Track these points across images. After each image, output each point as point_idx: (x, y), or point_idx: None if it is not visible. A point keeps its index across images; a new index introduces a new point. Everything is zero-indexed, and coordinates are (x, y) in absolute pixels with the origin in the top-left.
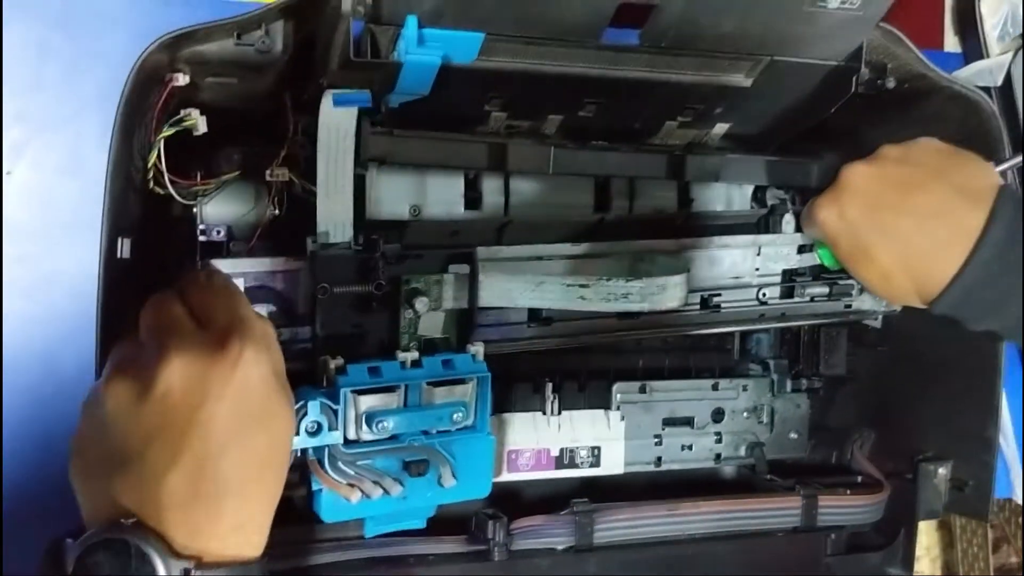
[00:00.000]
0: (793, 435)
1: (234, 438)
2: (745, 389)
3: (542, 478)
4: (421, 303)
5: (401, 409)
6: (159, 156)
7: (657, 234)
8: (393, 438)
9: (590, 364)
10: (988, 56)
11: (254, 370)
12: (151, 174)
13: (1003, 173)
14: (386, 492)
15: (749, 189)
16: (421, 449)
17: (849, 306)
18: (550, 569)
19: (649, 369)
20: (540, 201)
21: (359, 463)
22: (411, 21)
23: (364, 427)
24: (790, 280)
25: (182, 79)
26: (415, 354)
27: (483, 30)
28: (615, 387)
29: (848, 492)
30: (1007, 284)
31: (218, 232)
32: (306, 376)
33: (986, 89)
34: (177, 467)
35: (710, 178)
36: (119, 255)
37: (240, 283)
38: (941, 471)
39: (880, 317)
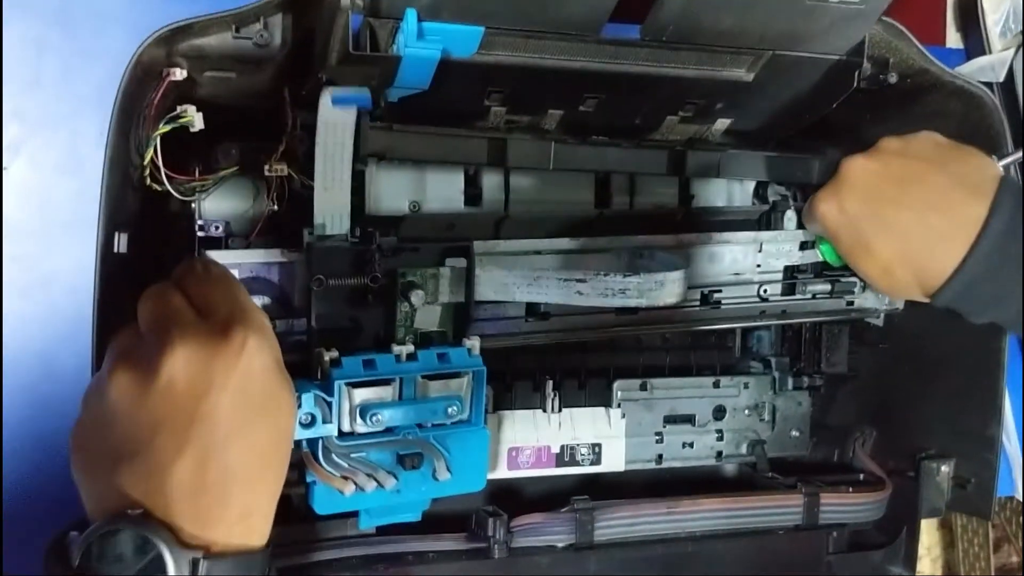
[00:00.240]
0: (795, 433)
1: (239, 427)
2: (746, 387)
3: (542, 475)
4: (417, 296)
5: (395, 402)
6: (156, 152)
7: (657, 230)
8: (387, 431)
9: (591, 361)
10: (990, 52)
11: (257, 359)
12: (148, 171)
13: (1005, 168)
14: (380, 485)
15: (750, 185)
16: (415, 442)
17: (851, 304)
18: (550, 567)
19: (650, 366)
20: (540, 197)
21: (353, 456)
22: (410, 14)
23: (358, 420)
24: (792, 277)
25: (179, 74)
26: (410, 347)
27: (483, 24)
28: (616, 384)
29: (850, 490)
30: (1008, 275)
31: (216, 227)
32: (302, 368)
33: (988, 85)
34: (183, 457)
35: (711, 174)
36: (116, 250)
37: (235, 275)
38: (943, 469)
39: (883, 315)
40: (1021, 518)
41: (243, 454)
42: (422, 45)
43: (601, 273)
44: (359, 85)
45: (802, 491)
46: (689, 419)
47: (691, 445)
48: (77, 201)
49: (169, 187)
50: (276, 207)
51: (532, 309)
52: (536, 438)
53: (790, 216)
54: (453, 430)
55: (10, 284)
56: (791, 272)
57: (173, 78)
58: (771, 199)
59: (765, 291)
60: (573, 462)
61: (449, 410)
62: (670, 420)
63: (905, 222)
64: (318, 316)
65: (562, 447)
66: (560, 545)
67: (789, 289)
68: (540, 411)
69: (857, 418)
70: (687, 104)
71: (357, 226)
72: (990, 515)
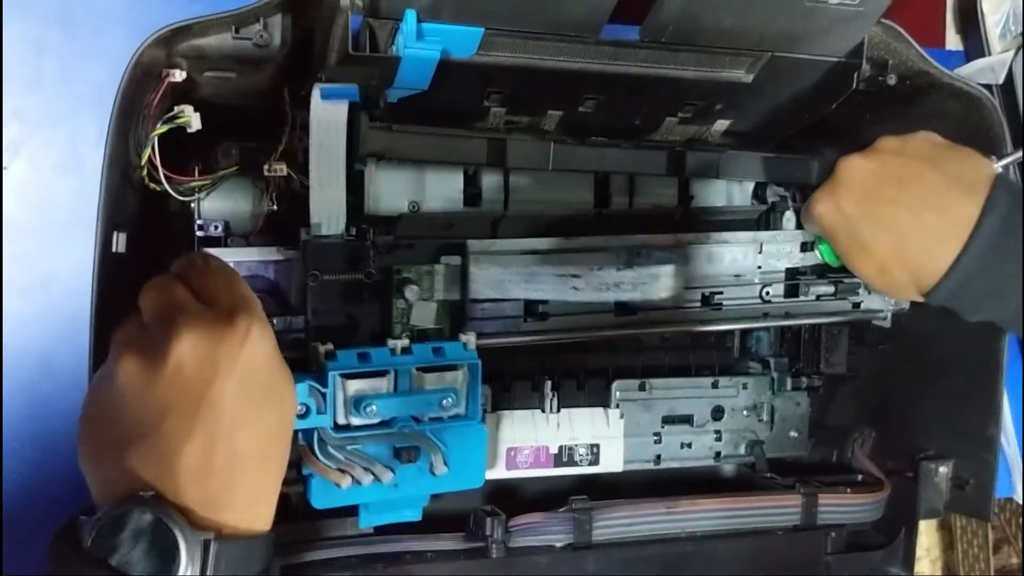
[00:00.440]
0: (793, 433)
1: (244, 413)
2: (745, 387)
3: (541, 476)
4: (411, 291)
5: (389, 394)
6: (154, 152)
7: (655, 229)
8: (383, 424)
9: (589, 362)
10: (990, 54)
11: (260, 346)
12: (146, 171)
13: (1004, 168)
14: (376, 478)
15: (749, 186)
16: (412, 436)
17: (857, 304)
18: (548, 567)
19: (649, 367)
20: (539, 197)
21: (349, 448)
22: (410, 15)
23: (353, 411)
24: (794, 278)
25: (179, 75)
26: (405, 341)
27: (482, 24)
28: (614, 385)
29: (848, 491)
30: (1004, 273)
31: (216, 227)
32: (299, 365)
33: (987, 87)
34: (192, 441)
35: (710, 174)
36: (114, 249)
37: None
38: (942, 470)
39: (889, 316)
40: (1021, 519)
41: (249, 439)
42: (421, 46)
43: (595, 267)
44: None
45: (800, 491)
46: (687, 419)
47: (689, 445)
48: (76, 201)
49: (167, 187)
50: (275, 207)
51: (530, 309)
52: (534, 438)
53: (788, 217)
54: (450, 425)
55: (10, 284)
56: (793, 273)
57: (172, 79)
58: (770, 200)
59: (767, 292)
60: (571, 462)
61: (444, 402)
62: (668, 420)
63: (900, 221)
64: (314, 311)
65: (560, 447)
66: (558, 545)
67: (792, 291)
68: (539, 411)
69: (856, 419)
70: (686, 105)
71: (353, 224)
72: (989, 516)
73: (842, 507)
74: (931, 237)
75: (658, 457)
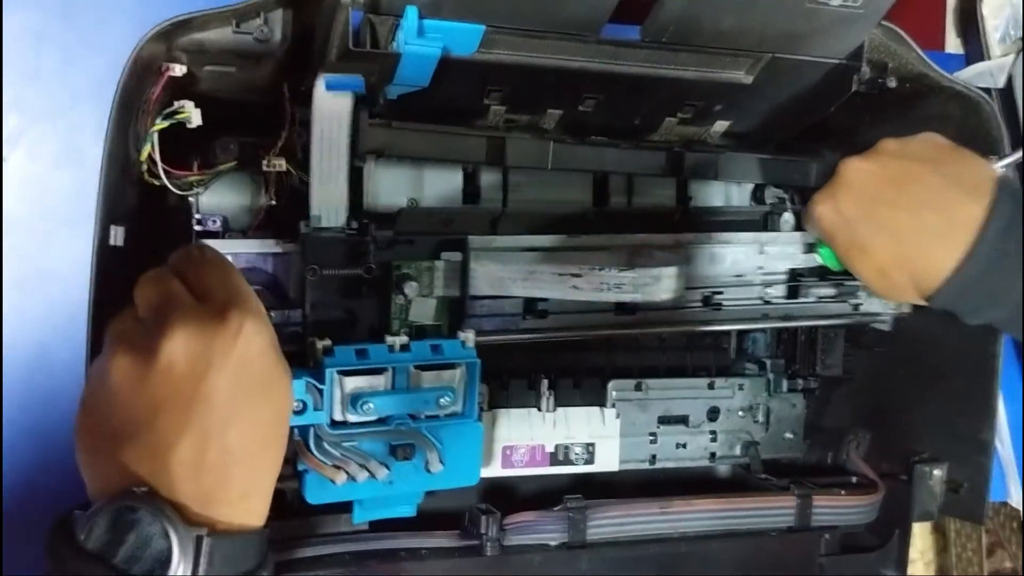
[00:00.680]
0: (788, 435)
1: (238, 409)
2: (741, 388)
3: (536, 474)
4: (411, 288)
5: (386, 391)
6: (153, 148)
7: (656, 229)
8: (380, 421)
9: (586, 361)
10: (989, 58)
11: (255, 341)
12: (146, 166)
13: (1004, 169)
14: (372, 475)
15: (748, 188)
16: (407, 433)
17: (857, 307)
18: (542, 565)
19: (645, 367)
20: (538, 196)
21: (345, 445)
22: (411, 12)
23: (350, 409)
24: (795, 280)
25: (179, 70)
26: (404, 338)
27: (484, 22)
28: (611, 384)
29: (843, 492)
30: (1005, 275)
31: (214, 222)
32: (297, 359)
33: (987, 90)
34: (184, 437)
35: (709, 175)
36: (112, 243)
37: (231, 258)
38: (936, 473)
39: (890, 319)
40: (1015, 523)
41: (242, 435)
42: (422, 43)
43: (597, 268)
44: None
45: (795, 493)
46: (683, 420)
47: (685, 446)
48: (75, 194)
49: (166, 182)
50: (274, 202)
51: (530, 307)
52: (530, 437)
53: (786, 219)
54: (446, 422)
55: (7, 277)
56: (794, 275)
57: (172, 73)
58: (768, 202)
59: (768, 293)
60: (567, 461)
61: (441, 401)
62: (664, 421)
63: (900, 223)
64: (312, 305)
65: (556, 446)
66: (552, 543)
67: (792, 292)
68: (535, 410)
69: (851, 421)
70: (686, 105)
71: (354, 219)
72: (983, 520)
73: (836, 509)
74: (931, 239)
75: (653, 457)
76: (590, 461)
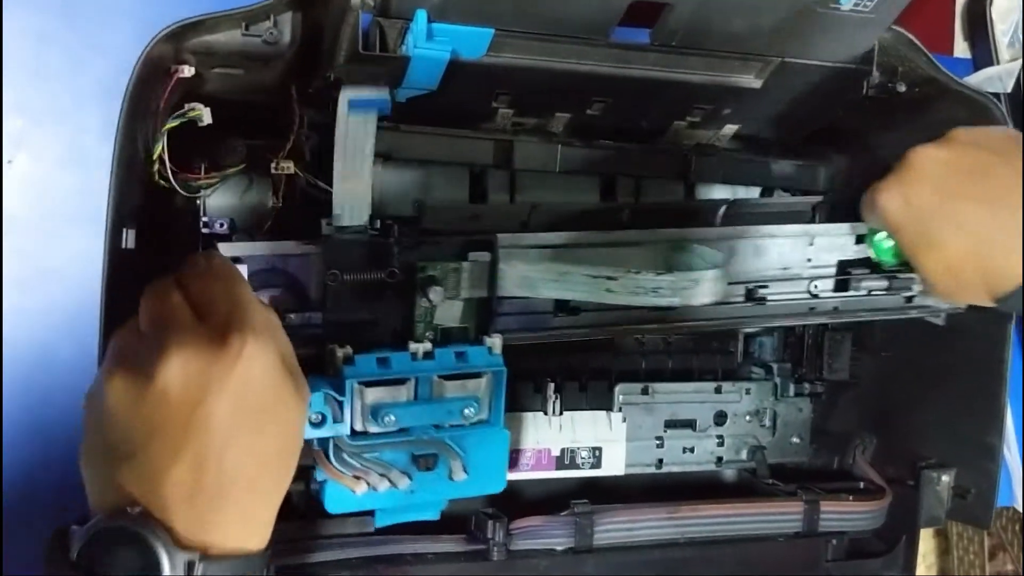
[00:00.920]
0: (795, 439)
1: (237, 433)
2: (748, 392)
3: (542, 478)
4: (435, 293)
5: (408, 403)
6: (163, 148)
7: (697, 224)
8: (402, 430)
9: (592, 364)
10: (998, 62)
11: (257, 362)
12: (155, 166)
13: None
14: (393, 485)
15: (755, 191)
16: (430, 443)
17: (910, 299)
18: (548, 570)
19: (651, 370)
20: (545, 199)
21: (365, 455)
22: (420, 15)
23: (370, 419)
24: (845, 272)
25: (188, 71)
26: (428, 345)
27: (493, 25)
28: (617, 388)
29: (850, 498)
30: None
31: (221, 225)
32: (317, 363)
33: (995, 95)
34: (179, 462)
35: (717, 179)
36: (124, 245)
37: (244, 270)
38: (944, 478)
39: (943, 315)
40: (1017, 526)
41: (242, 459)
42: (431, 46)
43: (633, 270)
44: (367, 84)
45: (802, 498)
46: (690, 424)
47: (691, 450)
48: (80, 195)
49: (175, 184)
50: (281, 204)
51: (561, 304)
52: (536, 440)
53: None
54: (471, 430)
55: (11, 277)
56: (844, 267)
57: (182, 75)
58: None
59: (815, 287)
60: (573, 465)
61: (465, 412)
62: (671, 424)
63: (979, 219)
64: (333, 311)
65: (562, 450)
66: (559, 548)
67: (842, 285)
68: (541, 413)
69: (858, 425)
70: (695, 109)
71: (377, 218)
72: (989, 525)
73: (844, 514)
74: (1010, 237)
75: (660, 461)
76: (596, 465)
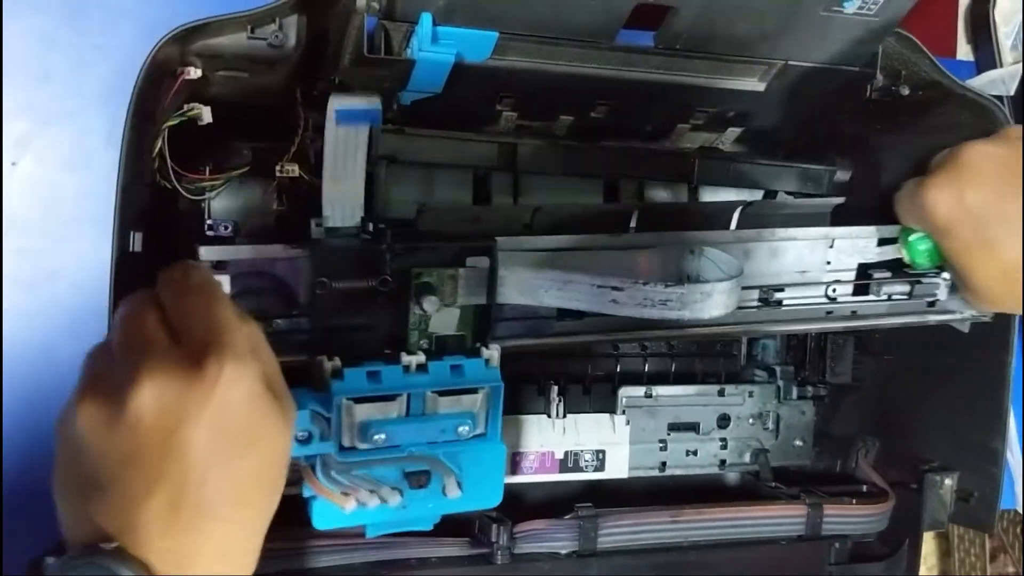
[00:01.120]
0: (798, 442)
1: (216, 462)
2: (751, 395)
3: (545, 481)
4: (430, 303)
5: (399, 420)
6: (164, 144)
7: (711, 226)
8: (393, 447)
9: (595, 368)
10: (1001, 65)
11: (236, 387)
12: (156, 164)
13: None
14: (383, 501)
15: (759, 195)
16: (423, 459)
17: (933, 305)
18: (552, 573)
19: (655, 373)
20: (549, 202)
21: (354, 472)
22: (425, 18)
23: (360, 437)
24: (866, 276)
25: (194, 72)
26: (421, 357)
27: (497, 29)
28: (620, 391)
29: (853, 501)
30: None
31: (225, 227)
32: (305, 371)
33: (999, 98)
34: (155, 494)
35: (721, 182)
36: (131, 248)
37: (225, 279)
38: (947, 482)
39: (968, 323)
40: (1018, 528)
41: (221, 489)
42: (436, 49)
43: (640, 281)
44: (372, 87)
45: (805, 501)
46: (693, 427)
47: (695, 453)
48: (85, 198)
49: (177, 185)
50: (286, 208)
51: (564, 308)
52: (540, 443)
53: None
54: (467, 445)
55: (15, 279)
56: (865, 271)
57: (188, 77)
58: None
59: (834, 291)
60: (577, 468)
61: (460, 429)
62: (674, 427)
63: None
64: (322, 320)
65: (566, 453)
66: (563, 552)
67: (861, 289)
68: (544, 416)
69: (860, 428)
70: (698, 112)
71: (370, 222)
72: (992, 529)
73: (847, 518)
74: None
75: (663, 464)
76: (600, 468)
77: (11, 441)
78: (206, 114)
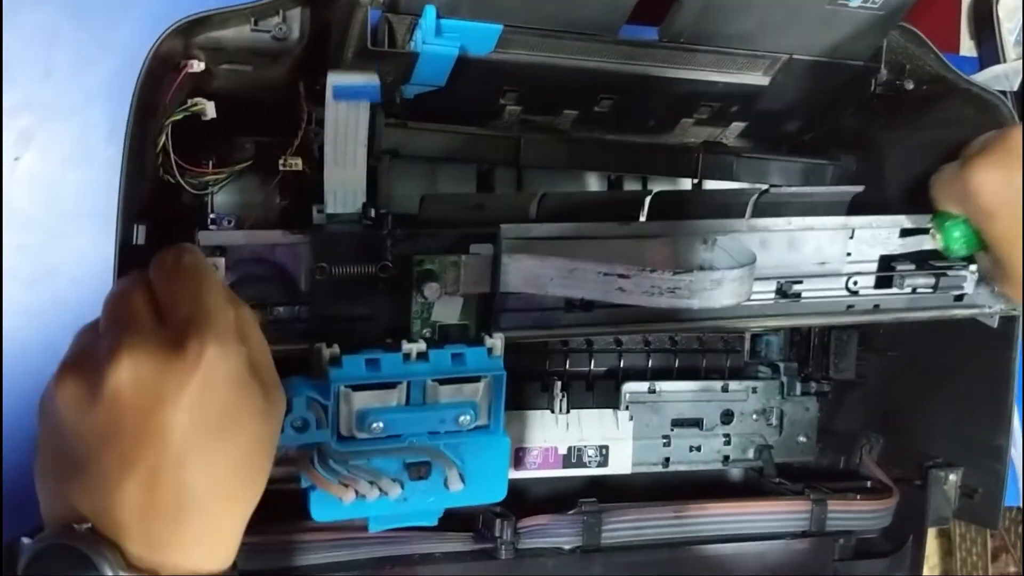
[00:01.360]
0: (802, 438)
1: (195, 446)
2: (754, 391)
3: (549, 476)
4: (431, 290)
5: (399, 408)
6: (167, 139)
7: (723, 214)
8: (393, 437)
9: (599, 363)
10: (1004, 60)
11: (219, 369)
12: (160, 159)
13: None
14: (384, 493)
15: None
16: (423, 450)
17: (960, 298)
18: (556, 569)
19: (658, 369)
20: None
21: (353, 462)
22: (429, 11)
23: (358, 426)
24: (889, 268)
25: (197, 66)
26: (422, 345)
27: (501, 21)
28: (624, 387)
29: (857, 497)
30: None
31: (229, 222)
32: (306, 361)
33: (1002, 93)
34: (130, 477)
35: (724, 177)
36: (135, 242)
37: (220, 262)
38: (951, 478)
39: (997, 317)
40: (1020, 527)
41: (201, 474)
42: (440, 42)
43: (648, 269)
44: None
45: (809, 497)
46: (697, 423)
47: (698, 449)
48: (87, 194)
49: (180, 179)
50: (289, 202)
51: (572, 299)
52: (543, 438)
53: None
54: (469, 437)
55: (16, 275)
56: (888, 263)
57: (191, 70)
58: None
59: (855, 283)
60: (580, 463)
61: (460, 419)
62: (678, 423)
63: None
64: (321, 307)
65: (569, 448)
66: (567, 547)
67: (884, 282)
68: (548, 411)
69: (864, 425)
70: (702, 106)
71: (372, 208)
72: (997, 525)
73: (851, 514)
74: None
75: (667, 460)
76: (603, 463)
77: (11, 439)
78: (210, 109)
